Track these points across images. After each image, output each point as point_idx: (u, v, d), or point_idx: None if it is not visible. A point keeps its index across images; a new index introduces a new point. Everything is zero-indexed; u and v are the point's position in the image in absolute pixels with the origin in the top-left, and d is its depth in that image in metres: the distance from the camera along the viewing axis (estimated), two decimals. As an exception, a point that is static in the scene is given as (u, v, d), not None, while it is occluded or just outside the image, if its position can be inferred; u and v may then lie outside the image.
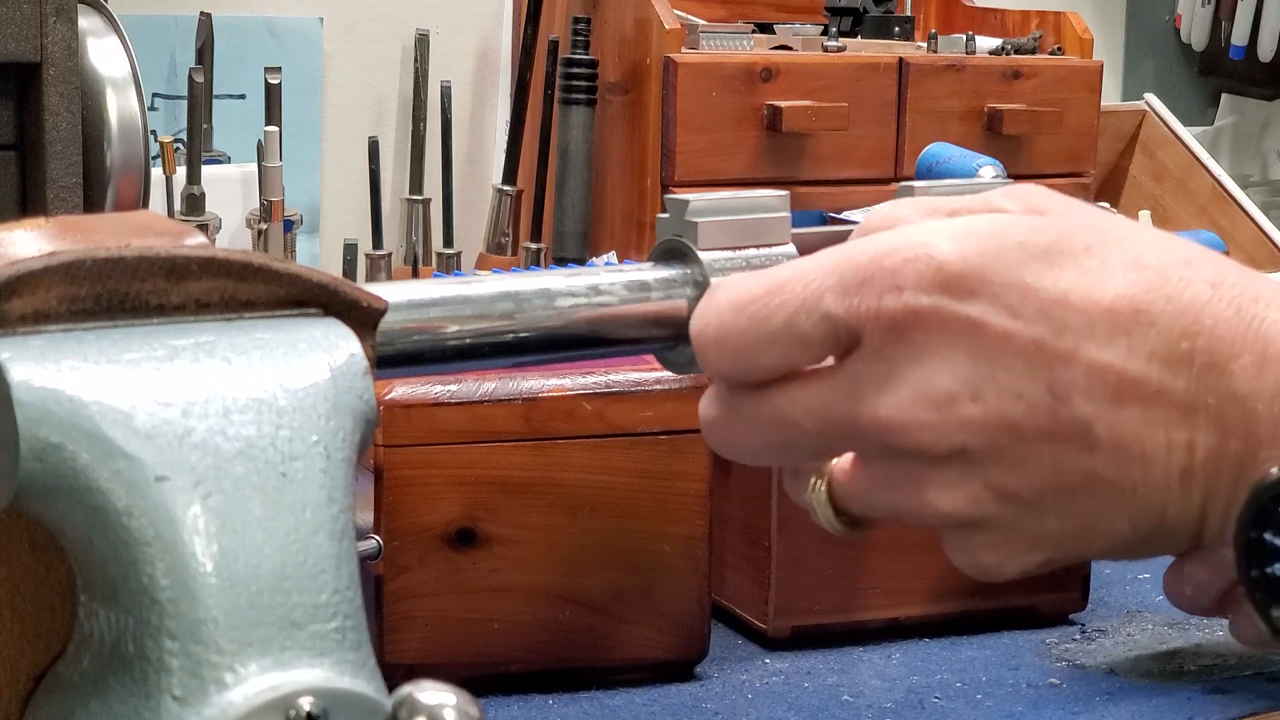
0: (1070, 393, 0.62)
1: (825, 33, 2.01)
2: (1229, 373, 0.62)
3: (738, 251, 0.76)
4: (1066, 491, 0.64)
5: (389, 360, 0.68)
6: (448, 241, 2.08)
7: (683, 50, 1.82)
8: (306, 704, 0.51)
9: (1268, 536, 0.63)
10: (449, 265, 2.02)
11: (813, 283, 0.64)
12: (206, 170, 1.86)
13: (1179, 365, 0.62)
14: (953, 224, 0.64)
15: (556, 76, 1.93)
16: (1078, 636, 1.03)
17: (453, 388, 0.96)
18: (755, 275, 0.66)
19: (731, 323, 0.65)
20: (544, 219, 1.99)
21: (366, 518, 0.96)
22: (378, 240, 2.05)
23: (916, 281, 0.62)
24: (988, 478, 0.63)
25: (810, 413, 0.65)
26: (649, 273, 0.76)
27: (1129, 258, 0.64)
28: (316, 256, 2.09)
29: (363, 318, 0.60)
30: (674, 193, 0.81)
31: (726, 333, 0.65)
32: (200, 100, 1.90)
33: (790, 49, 1.92)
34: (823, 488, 0.70)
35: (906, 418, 0.62)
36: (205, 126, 1.93)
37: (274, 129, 1.89)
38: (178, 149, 1.87)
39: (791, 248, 0.77)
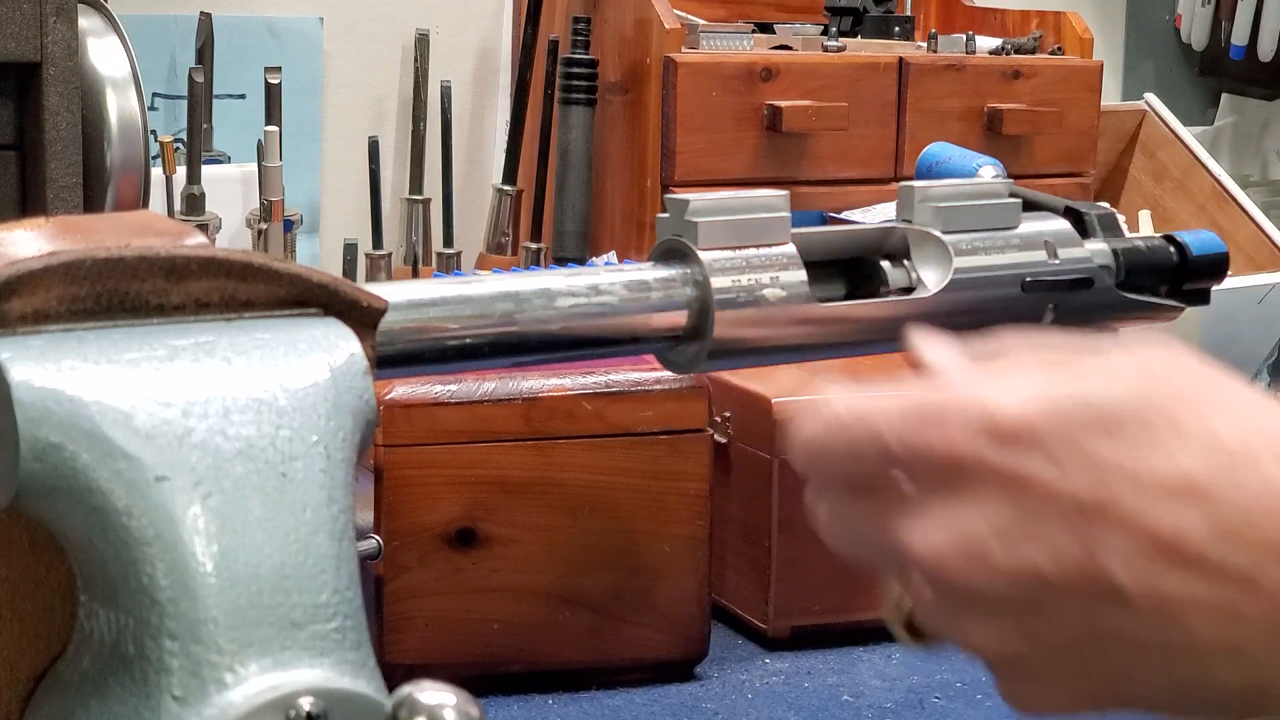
0: (1103, 550, 0.63)
1: (825, 32, 2.01)
2: None
3: (738, 251, 0.76)
4: (1098, 644, 0.64)
5: (389, 360, 0.68)
6: (448, 241, 2.08)
7: (683, 50, 1.83)
8: (306, 704, 0.51)
9: None
10: (449, 265, 2.02)
11: (883, 415, 0.67)
12: (206, 170, 1.86)
13: (1232, 540, 0.63)
14: (1026, 380, 0.66)
15: (556, 76, 1.93)
16: (1078, 636, 1.03)
17: (453, 388, 0.96)
18: (852, 400, 0.69)
19: (816, 434, 0.69)
20: (544, 219, 1.99)
21: (366, 518, 0.96)
22: (378, 240, 2.05)
23: (965, 427, 0.64)
24: (1020, 621, 0.65)
25: (866, 519, 0.68)
26: (649, 272, 0.76)
27: (1207, 437, 0.64)
28: (316, 256, 2.09)
29: (363, 318, 0.60)
30: (674, 193, 0.81)
31: (812, 439, 0.69)
32: (200, 100, 1.90)
33: (790, 49, 1.92)
34: (898, 598, 0.72)
35: (937, 554, 0.65)
36: (205, 126, 1.93)
37: (274, 129, 1.89)
38: (178, 149, 1.87)
39: (791, 248, 0.77)
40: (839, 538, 0.71)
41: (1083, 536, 0.62)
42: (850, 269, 0.82)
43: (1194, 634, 0.63)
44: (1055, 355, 0.68)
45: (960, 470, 0.64)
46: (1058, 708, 0.68)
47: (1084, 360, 0.67)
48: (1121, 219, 0.91)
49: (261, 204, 1.86)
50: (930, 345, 0.70)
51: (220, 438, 0.54)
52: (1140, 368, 0.66)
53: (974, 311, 0.81)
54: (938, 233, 0.81)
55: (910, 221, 0.82)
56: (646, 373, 0.99)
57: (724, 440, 1.12)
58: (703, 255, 0.75)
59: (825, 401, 0.68)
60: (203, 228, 1.75)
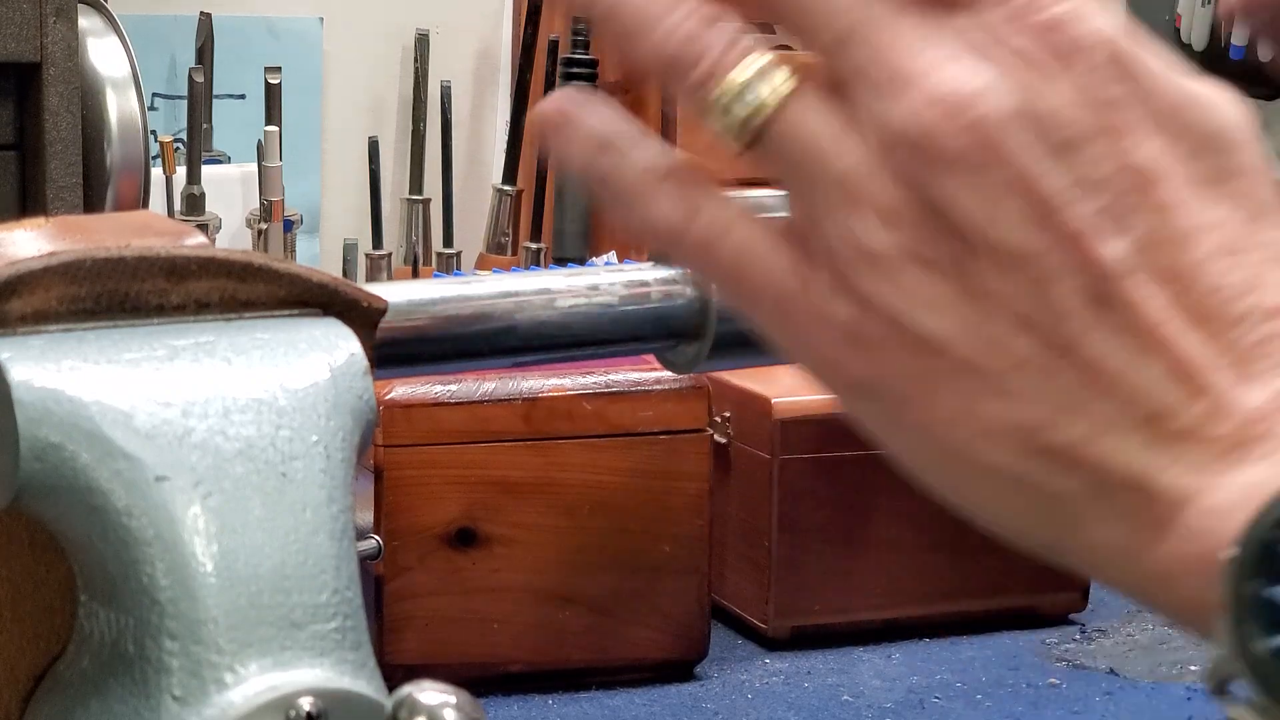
0: (1127, 231, 0.49)
1: (825, 32, 2.01)
2: None
3: (738, 251, 0.76)
4: (1029, 318, 0.49)
5: (389, 360, 0.68)
6: (448, 241, 2.08)
7: (683, 50, 1.82)
8: (306, 704, 0.51)
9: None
10: (449, 265, 2.02)
11: None
12: (206, 170, 1.86)
13: (1255, 325, 0.49)
14: None
15: (556, 76, 1.93)
16: (1078, 636, 1.03)
17: (452, 388, 0.96)
18: None
19: None
20: (544, 219, 1.99)
21: (366, 518, 0.96)
22: (377, 240, 2.05)
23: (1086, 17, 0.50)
24: (973, 225, 0.48)
25: None
26: (649, 272, 0.76)
27: None
28: (316, 256, 2.09)
29: (363, 318, 0.60)
30: (674, 193, 0.81)
31: None
32: (200, 100, 1.90)
33: (790, 49, 1.92)
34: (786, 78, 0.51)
35: (956, 88, 0.48)
36: (205, 126, 1.94)
37: (274, 129, 1.89)
38: (178, 149, 1.87)
39: (791, 248, 0.77)
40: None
41: (1119, 195, 0.49)
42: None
43: (1133, 385, 0.48)
44: None
45: (1055, 33, 0.49)
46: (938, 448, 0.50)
47: None
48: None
49: (261, 204, 1.86)
50: None
51: (220, 438, 0.54)
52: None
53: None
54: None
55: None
56: (646, 373, 0.99)
57: (724, 440, 1.12)
58: (703, 255, 0.75)
59: None
60: (203, 228, 1.75)
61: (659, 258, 0.56)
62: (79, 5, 1.18)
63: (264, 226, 1.87)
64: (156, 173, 1.79)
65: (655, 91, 1.84)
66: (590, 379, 0.99)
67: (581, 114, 0.56)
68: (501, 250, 2.02)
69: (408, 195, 2.10)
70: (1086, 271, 0.48)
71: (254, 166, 1.90)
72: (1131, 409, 0.48)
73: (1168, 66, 0.51)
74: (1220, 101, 0.52)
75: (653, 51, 0.53)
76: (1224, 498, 0.47)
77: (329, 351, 0.57)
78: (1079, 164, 0.48)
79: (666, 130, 1.81)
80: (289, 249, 1.91)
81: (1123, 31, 0.50)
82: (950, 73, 0.48)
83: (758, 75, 0.51)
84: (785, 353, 0.52)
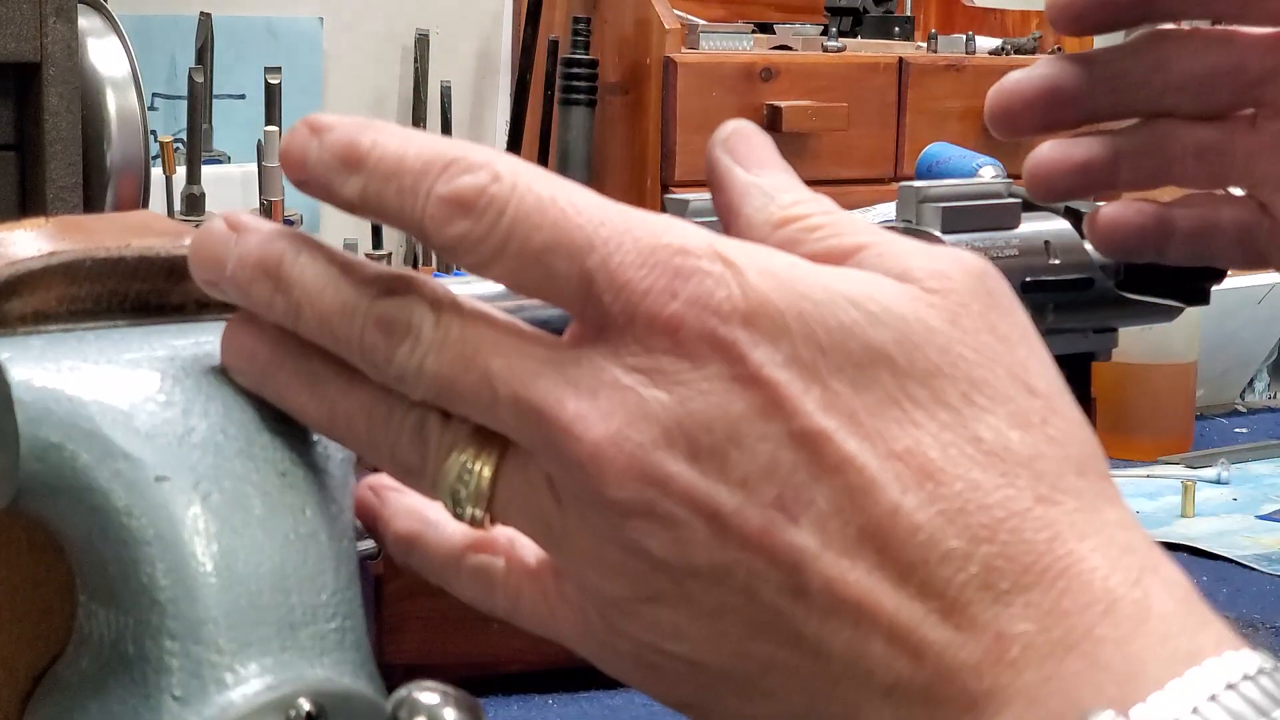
0: (804, 512, 0.48)
1: (825, 33, 2.02)
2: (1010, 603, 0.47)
3: (738, 251, 0.76)
4: (752, 623, 0.49)
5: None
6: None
7: (682, 50, 1.83)
8: (306, 704, 0.51)
9: None
10: (449, 266, 2.02)
11: (592, 223, 0.50)
12: (206, 170, 1.86)
13: (962, 561, 0.47)
14: (794, 262, 0.50)
15: (556, 76, 1.93)
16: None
17: (453, 388, 0.96)
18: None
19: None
20: (544, 219, 1.99)
21: (366, 518, 0.96)
22: (377, 240, 2.05)
23: (716, 286, 0.49)
24: (664, 561, 0.49)
25: (505, 365, 0.50)
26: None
27: (984, 422, 0.49)
28: (316, 256, 2.09)
29: (362, 318, 0.60)
30: (674, 193, 0.81)
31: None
32: (200, 100, 1.90)
33: (790, 49, 1.92)
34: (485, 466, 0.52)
35: (603, 441, 0.48)
36: (205, 126, 1.94)
37: (274, 129, 1.89)
38: (178, 149, 1.87)
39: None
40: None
41: (784, 481, 0.48)
42: (850, 269, 0.82)
43: (858, 653, 0.48)
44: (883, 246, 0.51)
45: (675, 333, 0.48)
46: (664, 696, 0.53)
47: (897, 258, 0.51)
48: (1122, 219, 0.91)
49: (261, 204, 1.87)
50: (759, 157, 0.53)
51: (220, 437, 0.54)
52: (965, 308, 0.50)
53: (974, 311, 0.81)
54: (937, 233, 0.81)
55: (910, 221, 0.82)
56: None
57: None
58: (703, 255, 0.75)
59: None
60: (203, 228, 1.75)
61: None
62: (79, 5, 1.18)
63: (264, 226, 1.87)
64: (156, 173, 1.79)
65: (655, 91, 1.84)
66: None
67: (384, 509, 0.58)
68: (501, 250, 2.02)
69: (408, 195, 2.10)
70: (780, 568, 0.48)
71: (254, 166, 1.90)
72: (871, 684, 0.48)
73: (798, 296, 0.49)
74: (882, 319, 0.49)
75: (388, 465, 0.55)
76: None
77: (329, 351, 0.57)
78: (740, 460, 0.48)
79: (666, 130, 1.81)
80: (289, 249, 1.90)
81: (742, 287, 0.49)
82: (595, 418, 0.49)
83: (459, 475, 0.52)
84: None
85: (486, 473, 0.52)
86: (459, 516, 0.52)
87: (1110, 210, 0.83)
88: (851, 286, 0.50)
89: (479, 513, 0.52)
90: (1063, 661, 0.47)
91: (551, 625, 0.55)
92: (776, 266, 0.50)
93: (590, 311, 0.50)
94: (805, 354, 0.48)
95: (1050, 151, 0.82)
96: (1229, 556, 1.12)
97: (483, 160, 0.50)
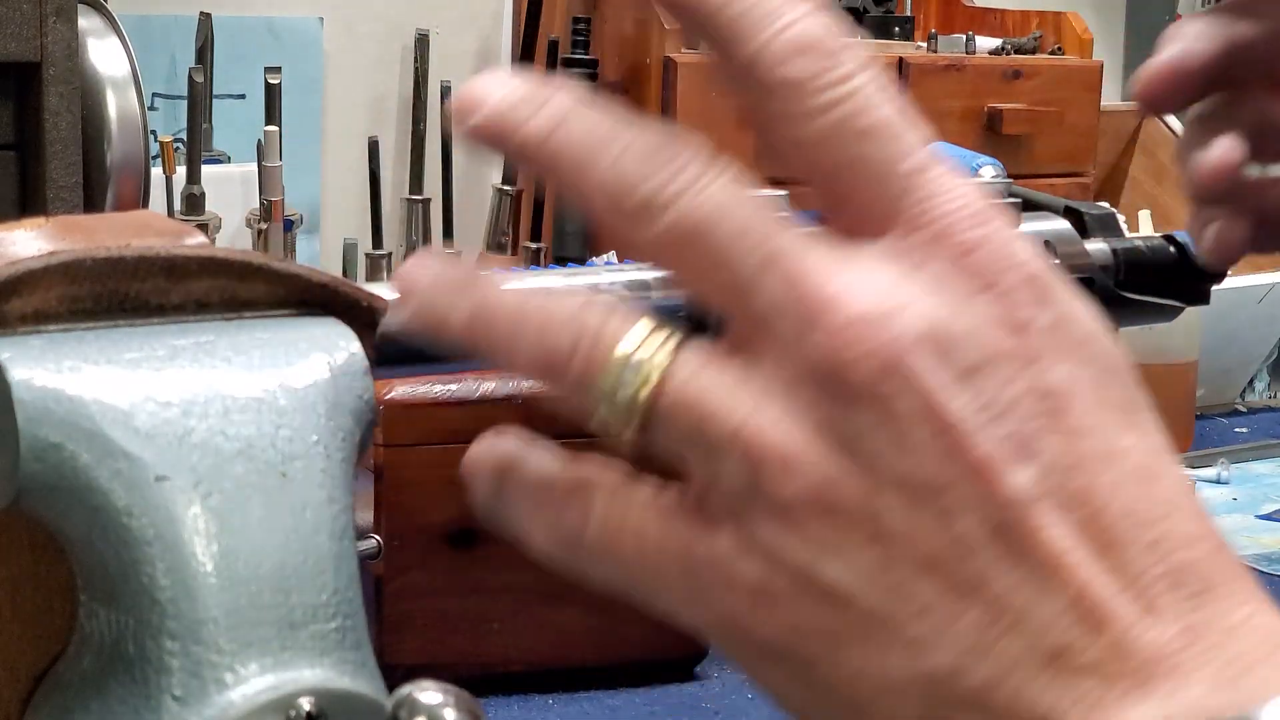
0: (1033, 458, 0.48)
1: (825, 32, 2.01)
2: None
3: (738, 251, 0.76)
4: (932, 558, 0.47)
5: (389, 359, 0.68)
6: (448, 241, 2.08)
7: (682, 50, 1.83)
8: (306, 704, 0.51)
9: None
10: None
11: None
12: (206, 170, 1.86)
13: (1162, 555, 0.48)
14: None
15: (556, 76, 1.93)
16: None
17: (453, 387, 0.96)
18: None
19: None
20: (544, 219, 1.99)
21: (366, 517, 0.96)
22: (377, 240, 2.05)
23: (1005, 246, 0.49)
24: (868, 464, 0.47)
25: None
26: (649, 272, 0.76)
27: (1169, 457, 0.50)
28: (316, 256, 2.09)
29: (363, 317, 0.60)
30: (674, 192, 0.81)
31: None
32: (200, 100, 1.90)
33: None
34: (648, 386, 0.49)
35: (863, 311, 0.47)
36: (205, 126, 1.94)
37: (274, 129, 1.89)
38: (178, 149, 1.87)
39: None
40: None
41: (1026, 420, 0.48)
42: (850, 269, 0.82)
43: (1038, 621, 0.47)
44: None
45: (970, 256, 0.48)
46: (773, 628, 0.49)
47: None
48: (1121, 219, 0.91)
49: (261, 204, 1.86)
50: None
51: (220, 437, 0.54)
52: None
53: (974, 311, 0.81)
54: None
55: (910, 221, 0.82)
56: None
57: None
58: (703, 255, 0.75)
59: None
60: (203, 227, 1.75)
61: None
62: (79, 5, 1.18)
63: (264, 226, 1.87)
64: (156, 172, 1.79)
65: (654, 91, 1.84)
66: (590, 379, 0.99)
67: (486, 455, 0.56)
68: (502, 250, 2.02)
69: (408, 195, 2.11)
70: (990, 501, 0.47)
71: (254, 166, 1.90)
72: (1036, 646, 0.47)
73: (1077, 297, 0.50)
74: (1118, 342, 0.51)
75: (530, 357, 0.52)
76: None
77: (329, 351, 0.57)
78: (988, 387, 0.47)
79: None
80: (289, 249, 1.90)
81: (1039, 258, 0.50)
82: (862, 296, 0.47)
83: (635, 349, 0.49)
84: (693, 623, 0.51)
85: (663, 349, 0.49)
86: (609, 413, 0.49)
87: (1214, 232, 0.82)
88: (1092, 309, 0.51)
89: (641, 394, 0.49)
90: (1252, 667, 0.47)
91: (646, 561, 0.51)
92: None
93: (883, 208, 0.49)
94: (1067, 338, 0.49)
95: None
96: (1229, 556, 1.12)
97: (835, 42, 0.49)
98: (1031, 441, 0.47)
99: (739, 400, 0.48)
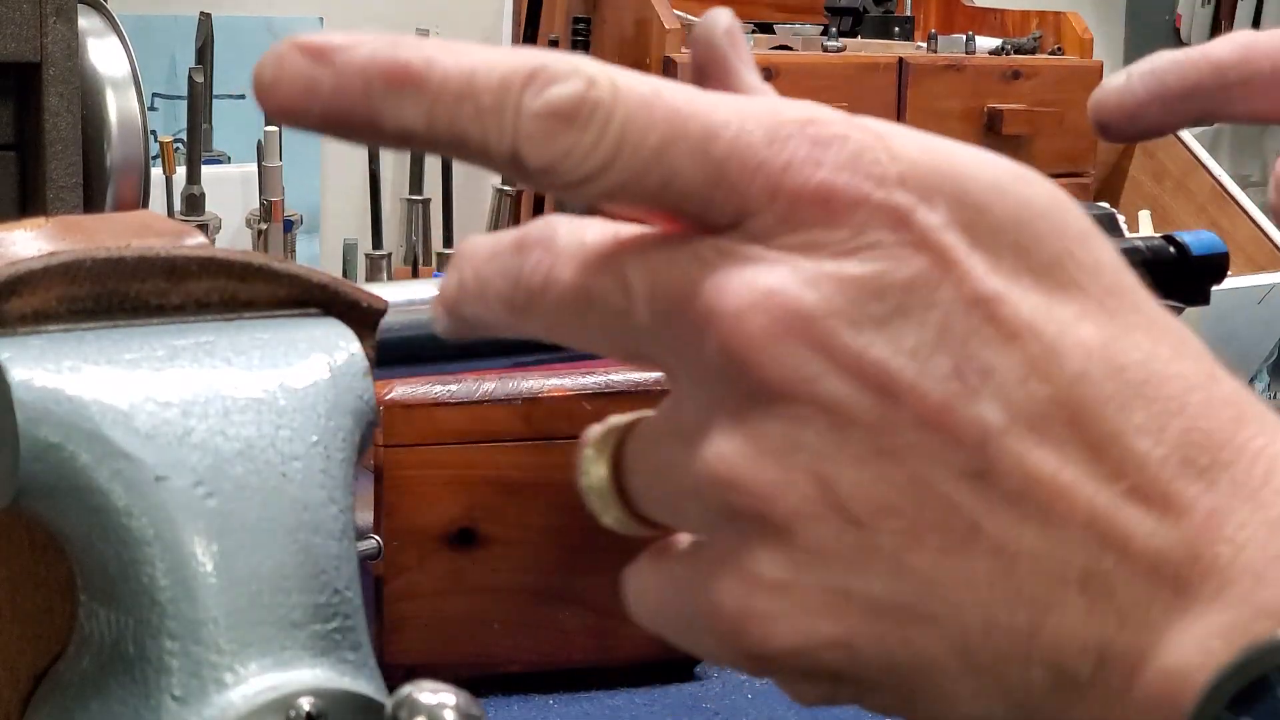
0: (984, 382, 0.43)
1: (825, 33, 2.01)
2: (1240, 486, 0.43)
3: (738, 251, 0.76)
4: (916, 527, 0.43)
5: (389, 360, 0.68)
6: (448, 241, 2.08)
7: (683, 50, 1.82)
8: (306, 704, 0.51)
9: None
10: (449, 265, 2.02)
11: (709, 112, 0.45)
12: (206, 170, 1.86)
13: (1157, 435, 0.44)
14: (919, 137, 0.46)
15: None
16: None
17: (452, 388, 0.96)
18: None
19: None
20: (544, 219, 1.99)
21: (366, 518, 0.96)
22: (377, 240, 2.05)
23: (856, 164, 0.44)
24: (816, 454, 0.44)
25: (645, 272, 0.45)
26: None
27: (1140, 294, 0.45)
28: (316, 256, 2.09)
29: (363, 318, 0.60)
30: (674, 193, 0.81)
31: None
32: (200, 100, 1.90)
33: (790, 49, 1.92)
34: (605, 461, 0.49)
35: (745, 304, 0.43)
36: (205, 126, 1.94)
37: (274, 129, 1.89)
38: (177, 149, 1.87)
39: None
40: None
41: (964, 349, 0.43)
42: (850, 269, 0.82)
43: (1057, 539, 0.43)
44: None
45: (831, 205, 0.44)
46: (791, 632, 0.45)
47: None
48: (1121, 219, 0.91)
49: (261, 204, 1.86)
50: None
51: (220, 438, 0.54)
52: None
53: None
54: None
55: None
56: (646, 373, 0.99)
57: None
58: (703, 255, 0.75)
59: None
60: (202, 228, 1.75)
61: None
62: (79, 5, 1.18)
63: (264, 226, 1.87)
64: (156, 173, 1.79)
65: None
66: (590, 379, 0.99)
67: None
68: (501, 250, 2.02)
69: (408, 195, 2.10)
70: (957, 448, 0.43)
71: (254, 166, 1.89)
72: (1062, 580, 0.43)
73: (927, 144, 0.45)
74: (1023, 181, 0.46)
75: None
76: (1177, 659, 0.43)
77: (329, 351, 0.57)
78: (908, 330, 0.43)
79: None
80: (289, 249, 1.90)
81: (856, 147, 0.45)
82: (732, 286, 0.44)
83: (589, 446, 0.49)
84: (734, 666, 0.48)
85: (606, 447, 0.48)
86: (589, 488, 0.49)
87: None
88: (985, 152, 0.46)
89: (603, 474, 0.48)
90: None
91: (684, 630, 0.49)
92: (909, 131, 0.46)
93: (722, 203, 0.44)
94: (964, 214, 0.44)
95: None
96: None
97: (568, 67, 0.44)
98: (977, 364, 0.43)
99: (675, 448, 0.46)
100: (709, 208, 0.45)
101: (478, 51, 0.45)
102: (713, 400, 0.45)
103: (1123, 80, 0.72)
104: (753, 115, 0.45)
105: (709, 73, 0.51)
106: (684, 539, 0.49)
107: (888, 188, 0.44)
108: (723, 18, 0.50)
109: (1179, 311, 0.88)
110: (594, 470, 0.49)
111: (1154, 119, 0.72)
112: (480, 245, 0.48)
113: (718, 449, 0.44)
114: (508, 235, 0.48)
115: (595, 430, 0.49)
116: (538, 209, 1.98)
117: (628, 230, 0.46)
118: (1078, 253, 0.45)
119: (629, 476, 0.48)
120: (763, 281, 0.43)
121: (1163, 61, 0.71)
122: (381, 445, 0.95)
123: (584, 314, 0.46)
